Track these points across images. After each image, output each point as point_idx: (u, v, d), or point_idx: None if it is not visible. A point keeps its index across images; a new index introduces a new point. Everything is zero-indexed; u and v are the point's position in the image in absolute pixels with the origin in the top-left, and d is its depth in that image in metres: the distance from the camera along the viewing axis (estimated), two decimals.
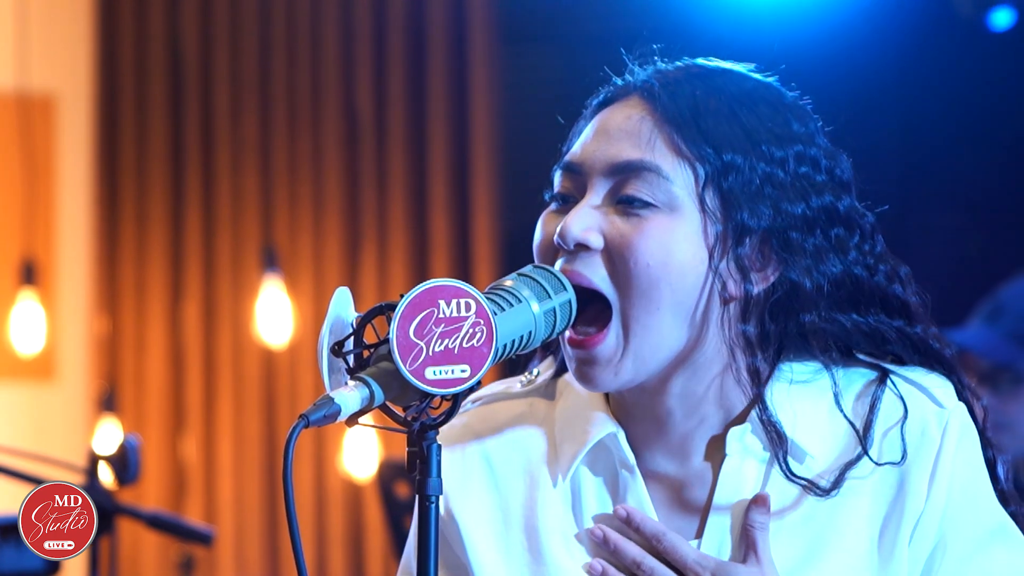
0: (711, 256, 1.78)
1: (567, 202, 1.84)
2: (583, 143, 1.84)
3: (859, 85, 5.03)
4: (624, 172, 1.80)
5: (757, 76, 1.88)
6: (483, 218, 5.87)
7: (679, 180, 1.79)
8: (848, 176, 1.86)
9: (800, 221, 1.80)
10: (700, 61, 1.89)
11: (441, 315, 1.64)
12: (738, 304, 1.80)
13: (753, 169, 1.79)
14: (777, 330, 1.83)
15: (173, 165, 6.41)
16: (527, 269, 1.80)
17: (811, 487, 1.81)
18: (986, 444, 1.86)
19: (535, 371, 1.96)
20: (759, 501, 1.81)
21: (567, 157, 1.85)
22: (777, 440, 1.82)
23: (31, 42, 6.24)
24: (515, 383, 1.97)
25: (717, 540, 1.83)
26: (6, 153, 6.31)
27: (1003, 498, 1.86)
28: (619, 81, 1.88)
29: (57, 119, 6.44)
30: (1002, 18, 4.97)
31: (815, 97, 1.92)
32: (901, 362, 1.88)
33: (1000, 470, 1.87)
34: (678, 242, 1.78)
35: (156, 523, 3.47)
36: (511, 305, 1.73)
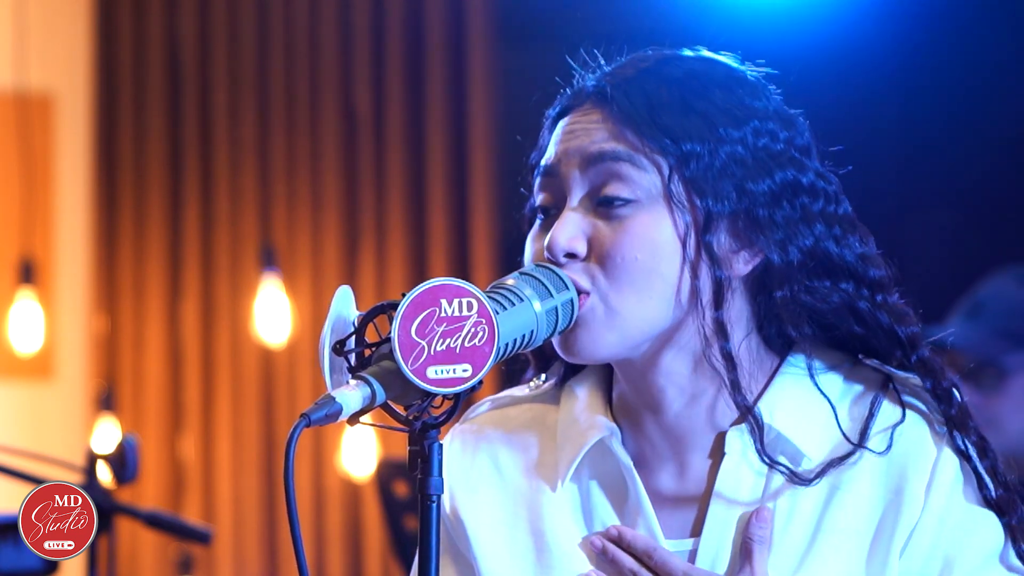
0: (684, 245, 1.79)
1: (549, 215, 1.86)
2: (554, 146, 1.86)
3: (856, 80, 5.03)
4: (598, 163, 1.81)
5: (708, 55, 1.89)
6: (482, 218, 5.87)
7: (648, 170, 1.80)
8: (808, 141, 1.87)
9: (767, 198, 1.81)
10: (648, 52, 1.90)
11: (443, 314, 1.64)
12: (710, 288, 1.81)
13: (714, 154, 1.80)
14: (758, 310, 1.84)
15: (171, 164, 6.41)
16: (529, 268, 1.80)
17: (792, 476, 1.81)
18: (983, 447, 1.86)
19: (542, 377, 1.97)
20: (760, 515, 1.80)
21: (543, 162, 1.87)
22: (753, 423, 1.82)
23: (29, 41, 6.24)
24: (524, 389, 1.98)
25: (715, 540, 1.83)
26: (4, 152, 6.30)
27: (1005, 500, 1.85)
28: (569, 90, 1.90)
29: (55, 118, 6.44)
30: None
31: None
32: (902, 367, 1.88)
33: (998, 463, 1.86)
34: (661, 232, 1.79)
35: (154, 522, 3.47)
36: (513, 304, 1.73)
